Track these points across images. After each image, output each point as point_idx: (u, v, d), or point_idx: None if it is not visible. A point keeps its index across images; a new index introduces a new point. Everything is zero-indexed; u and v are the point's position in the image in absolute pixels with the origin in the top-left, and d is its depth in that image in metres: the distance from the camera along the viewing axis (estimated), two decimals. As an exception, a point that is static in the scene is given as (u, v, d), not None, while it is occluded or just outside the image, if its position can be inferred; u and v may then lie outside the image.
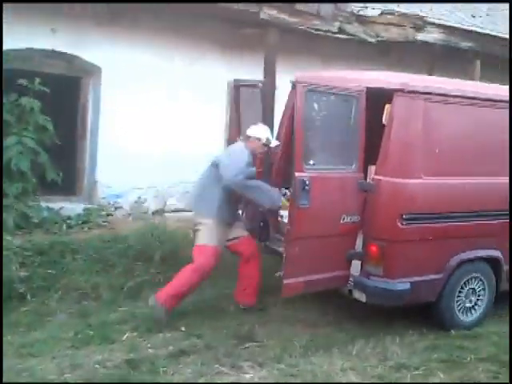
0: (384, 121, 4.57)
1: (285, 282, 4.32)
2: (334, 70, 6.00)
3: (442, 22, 8.37)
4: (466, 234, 4.79)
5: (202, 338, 4.57)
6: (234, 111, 5.71)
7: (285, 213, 4.92)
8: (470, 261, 4.89)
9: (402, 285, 4.54)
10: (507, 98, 5.13)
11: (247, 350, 4.45)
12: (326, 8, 7.26)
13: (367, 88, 4.53)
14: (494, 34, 8.87)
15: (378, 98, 4.52)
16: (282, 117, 5.39)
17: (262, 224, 5.34)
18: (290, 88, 4.88)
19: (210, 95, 7.68)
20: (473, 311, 5.06)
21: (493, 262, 5.03)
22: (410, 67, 8.94)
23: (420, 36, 8.23)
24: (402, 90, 4.54)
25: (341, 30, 7.59)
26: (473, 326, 5.01)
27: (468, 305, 5.01)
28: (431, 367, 4.30)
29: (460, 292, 4.94)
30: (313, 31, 7.35)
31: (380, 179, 4.52)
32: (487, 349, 4.63)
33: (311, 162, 4.35)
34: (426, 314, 5.11)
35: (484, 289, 5.06)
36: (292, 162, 4.35)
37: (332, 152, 4.69)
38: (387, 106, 4.57)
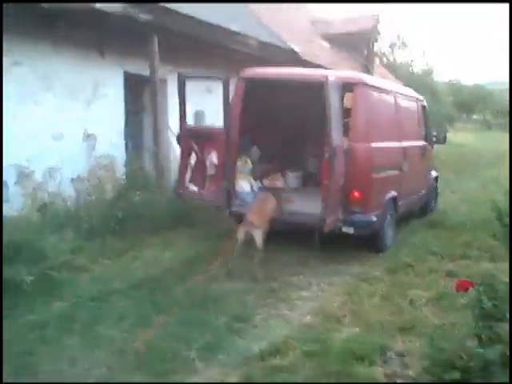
0: (345, 105, 6.63)
1: (327, 220, 6.08)
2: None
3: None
4: (390, 181, 7.18)
5: None
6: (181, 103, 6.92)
7: (242, 182, 7.15)
8: (391, 199, 7.21)
9: (373, 217, 6.67)
10: (408, 93, 8.76)
11: None
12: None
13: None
14: (174, 8, 8.20)
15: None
16: (233, 106, 6.78)
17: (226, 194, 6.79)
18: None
19: None
20: (389, 237, 7.32)
21: (394, 199, 7.35)
22: (77, 44, 7.66)
23: (97, 4, 6.87)
24: (361, 83, 6.82)
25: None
26: (390, 247, 7.22)
27: (389, 231, 7.26)
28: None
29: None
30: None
31: (356, 145, 6.56)
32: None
33: (334, 138, 6.03)
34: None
35: (392, 218, 7.36)
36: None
37: (336, 130, 6.22)
38: (348, 94, 6.68)
